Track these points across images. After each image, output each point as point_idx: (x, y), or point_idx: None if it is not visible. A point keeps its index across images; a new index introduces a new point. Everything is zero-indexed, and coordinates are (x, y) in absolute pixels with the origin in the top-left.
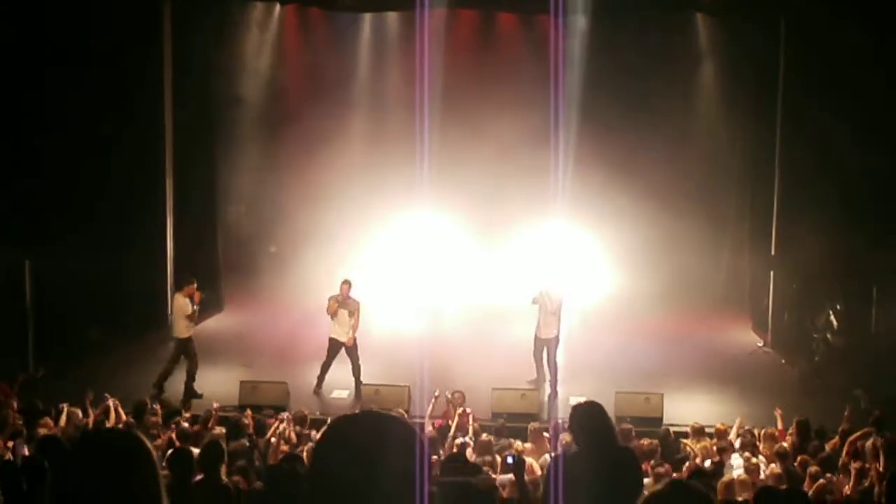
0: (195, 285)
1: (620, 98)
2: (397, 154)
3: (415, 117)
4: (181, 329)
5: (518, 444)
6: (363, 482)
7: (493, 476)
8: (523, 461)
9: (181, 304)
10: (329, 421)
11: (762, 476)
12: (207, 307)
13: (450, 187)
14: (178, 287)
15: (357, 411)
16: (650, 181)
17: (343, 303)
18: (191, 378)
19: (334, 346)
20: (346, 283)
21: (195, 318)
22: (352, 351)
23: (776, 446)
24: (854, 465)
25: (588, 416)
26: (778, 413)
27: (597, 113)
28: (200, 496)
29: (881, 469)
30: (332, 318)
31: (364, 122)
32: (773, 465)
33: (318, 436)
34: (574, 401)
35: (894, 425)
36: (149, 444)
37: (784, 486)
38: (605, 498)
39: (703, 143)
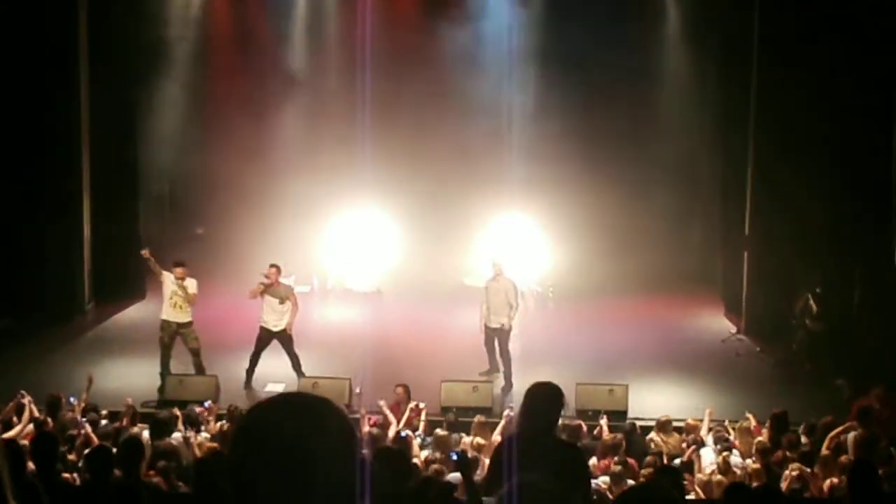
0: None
1: (580, 71)
2: (337, 128)
3: (356, 91)
4: (185, 312)
5: (468, 439)
6: (290, 488)
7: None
8: (469, 458)
9: (179, 287)
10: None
11: (738, 473)
12: (128, 294)
13: (394, 167)
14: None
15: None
16: (613, 156)
17: (271, 289)
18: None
19: (263, 336)
20: (274, 267)
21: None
22: (286, 342)
23: (756, 441)
24: (841, 459)
25: (535, 399)
26: (750, 416)
27: (554, 88)
28: (110, 497)
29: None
30: (261, 301)
31: (302, 94)
32: (749, 462)
33: (233, 428)
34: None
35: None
36: None
37: (757, 483)
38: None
39: (670, 115)
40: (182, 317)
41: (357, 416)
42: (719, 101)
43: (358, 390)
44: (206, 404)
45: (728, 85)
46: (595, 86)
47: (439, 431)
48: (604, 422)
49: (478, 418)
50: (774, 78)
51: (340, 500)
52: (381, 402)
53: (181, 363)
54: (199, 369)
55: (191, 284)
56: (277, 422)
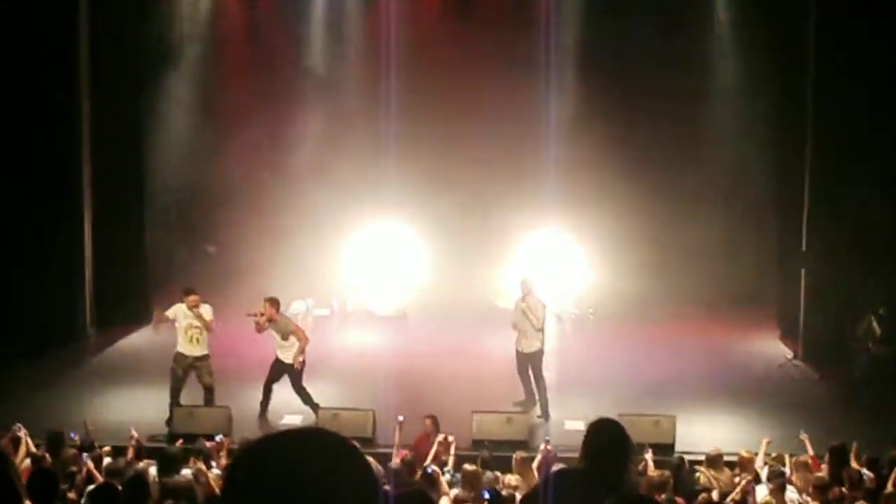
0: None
1: (624, 79)
2: (359, 136)
3: (379, 95)
4: (202, 345)
5: (508, 477)
6: None
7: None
8: (503, 497)
9: (195, 316)
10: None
11: None
12: (133, 318)
13: (421, 177)
14: (184, 296)
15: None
16: (658, 168)
17: (273, 324)
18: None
19: (277, 367)
20: (269, 301)
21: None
22: (293, 378)
23: (813, 477)
24: None
25: (599, 432)
26: (805, 438)
27: (596, 96)
28: None
29: None
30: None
31: (321, 98)
32: (807, 498)
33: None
34: (571, 425)
35: None
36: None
37: None
38: None
39: (720, 124)
40: (199, 350)
41: (387, 450)
42: (773, 112)
43: (401, 419)
44: (218, 438)
45: (782, 96)
46: (640, 94)
47: (468, 467)
48: (649, 456)
49: (518, 454)
50: (831, 88)
51: None
52: (399, 420)
53: (190, 395)
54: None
55: (206, 311)
56: (291, 456)
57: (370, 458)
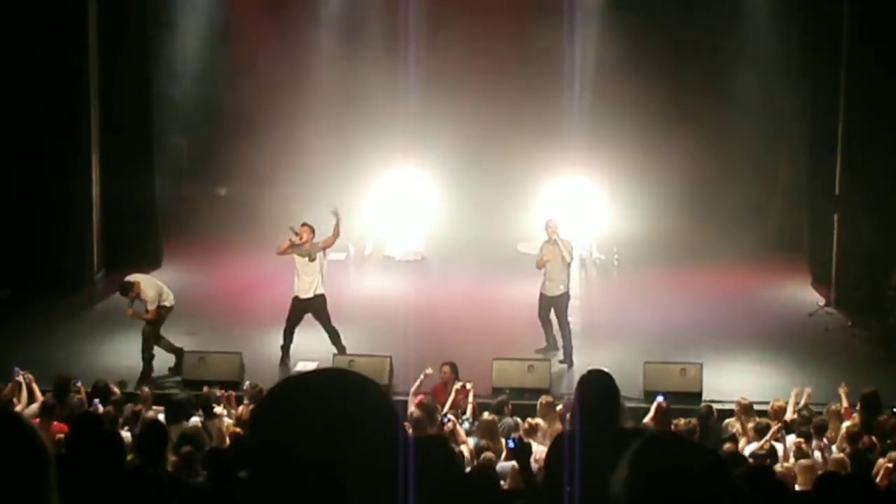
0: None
1: (653, 23)
2: (378, 77)
3: (398, 35)
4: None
5: (530, 420)
6: (324, 456)
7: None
8: (528, 446)
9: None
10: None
11: (820, 460)
12: (143, 261)
13: (441, 120)
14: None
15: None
16: (685, 110)
17: (299, 249)
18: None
19: (297, 307)
20: (307, 226)
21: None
22: (320, 312)
23: (845, 427)
24: None
25: (587, 385)
26: (843, 391)
27: (622, 39)
28: (131, 488)
29: None
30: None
31: (337, 41)
32: (834, 447)
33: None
34: None
35: None
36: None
37: (848, 472)
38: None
39: (750, 58)
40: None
41: (404, 398)
42: (806, 42)
43: (429, 371)
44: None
45: (815, 31)
46: (670, 45)
47: (486, 416)
48: (657, 402)
49: (544, 399)
50: (868, 20)
51: (384, 469)
52: (426, 373)
53: (195, 341)
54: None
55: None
56: (315, 388)
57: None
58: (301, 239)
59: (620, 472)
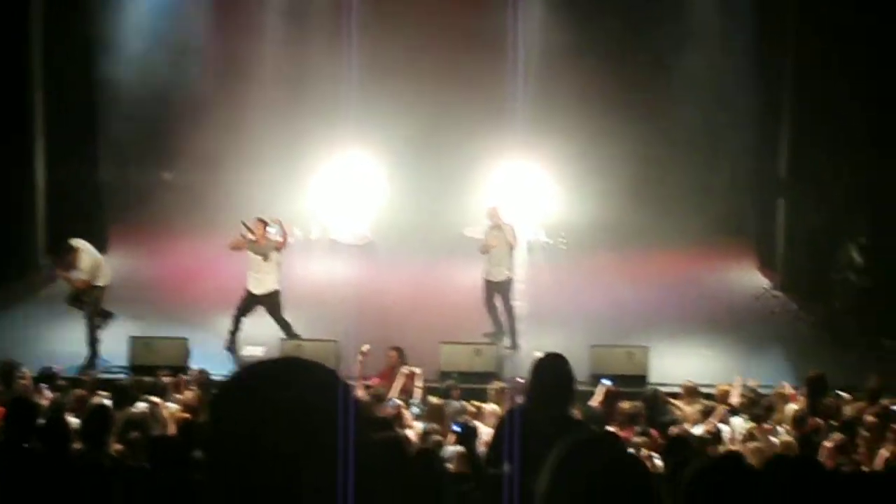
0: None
1: (602, 12)
2: (323, 64)
3: (344, 22)
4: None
5: (476, 404)
6: (283, 444)
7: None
8: (475, 430)
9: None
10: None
11: (770, 443)
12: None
13: (387, 104)
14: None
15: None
16: (632, 88)
17: (254, 246)
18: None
19: (249, 299)
20: (259, 221)
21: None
22: (272, 307)
23: (791, 409)
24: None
25: (542, 369)
26: (738, 382)
27: (568, 22)
28: (74, 474)
29: None
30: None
31: (283, 25)
32: (780, 429)
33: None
34: (537, 356)
35: None
36: None
37: (794, 454)
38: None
39: (699, 44)
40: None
41: (352, 382)
42: (753, 25)
43: (365, 348)
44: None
45: (763, 8)
46: (615, 20)
47: (434, 400)
48: (602, 387)
49: (496, 384)
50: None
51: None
52: (362, 351)
53: (141, 326)
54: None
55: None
56: (273, 376)
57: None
58: (253, 235)
59: (542, 479)
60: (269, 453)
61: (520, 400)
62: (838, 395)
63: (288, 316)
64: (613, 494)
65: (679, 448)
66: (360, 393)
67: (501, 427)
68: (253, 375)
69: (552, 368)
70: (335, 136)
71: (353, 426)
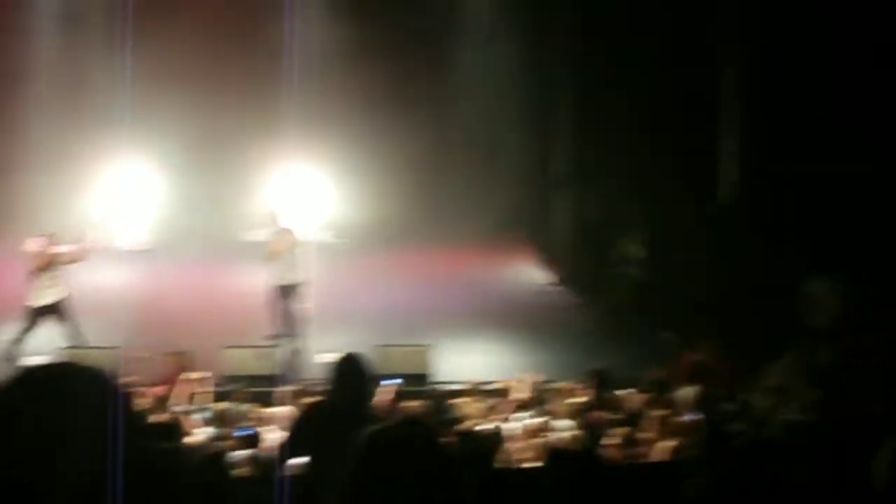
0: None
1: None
2: (98, 70)
3: (118, 29)
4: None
5: (263, 409)
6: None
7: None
8: (258, 433)
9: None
10: None
11: (554, 437)
12: None
13: (163, 110)
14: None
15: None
16: (408, 89)
17: (40, 260)
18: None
19: (35, 313)
20: (44, 236)
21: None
22: (57, 314)
23: (574, 403)
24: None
25: (343, 367)
26: (521, 378)
27: (343, 20)
28: None
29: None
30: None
31: (56, 31)
32: (564, 424)
33: None
34: (324, 358)
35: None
36: None
37: (577, 448)
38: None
39: (473, 43)
40: None
41: (134, 388)
42: (527, 24)
43: (143, 355)
44: None
45: (537, 8)
46: (390, 22)
47: (219, 404)
48: (388, 386)
49: (282, 388)
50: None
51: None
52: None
53: None
54: None
55: None
56: (46, 381)
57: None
58: (44, 249)
59: (349, 465)
60: (29, 455)
61: (309, 400)
62: (622, 388)
63: (71, 324)
64: (418, 474)
65: (465, 444)
66: (142, 399)
67: (296, 426)
68: (22, 380)
69: (351, 367)
70: (113, 143)
71: (123, 431)
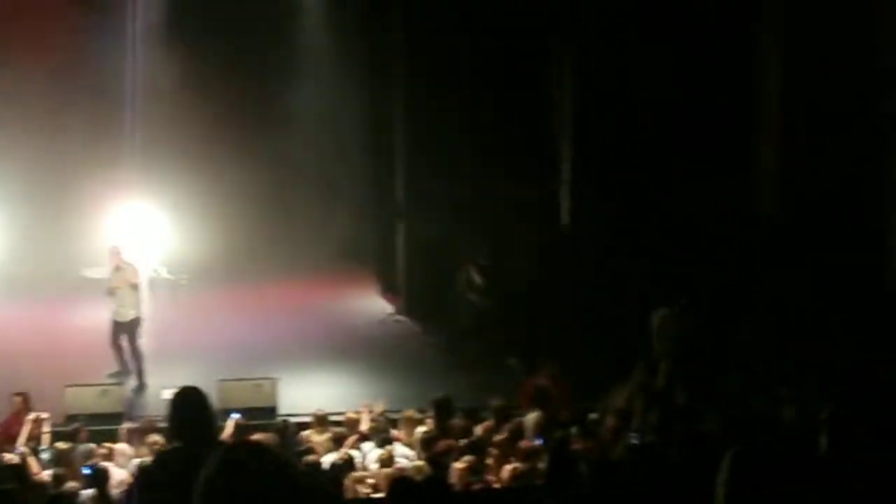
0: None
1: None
2: None
3: None
4: None
5: (107, 445)
6: None
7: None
8: (106, 471)
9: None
10: None
11: (400, 466)
12: None
13: (4, 153)
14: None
15: None
16: (248, 122)
17: None
18: None
19: None
20: None
21: None
22: None
23: (419, 432)
24: (519, 444)
25: (181, 404)
26: (364, 407)
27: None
28: None
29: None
30: None
31: None
32: (410, 453)
33: None
34: (169, 394)
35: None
36: None
37: (422, 477)
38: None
39: (313, 74)
40: None
41: None
42: (363, 52)
43: None
44: None
45: (373, 32)
46: (227, 55)
47: (61, 444)
48: (232, 420)
49: (126, 425)
50: (426, 23)
51: None
52: None
53: None
54: None
55: None
56: None
57: None
58: None
59: (197, 487)
60: None
61: (152, 439)
62: (466, 415)
63: None
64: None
65: (314, 478)
66: None
67: (141, 471)
68: None
69: (188, 401)
70: None
71: None
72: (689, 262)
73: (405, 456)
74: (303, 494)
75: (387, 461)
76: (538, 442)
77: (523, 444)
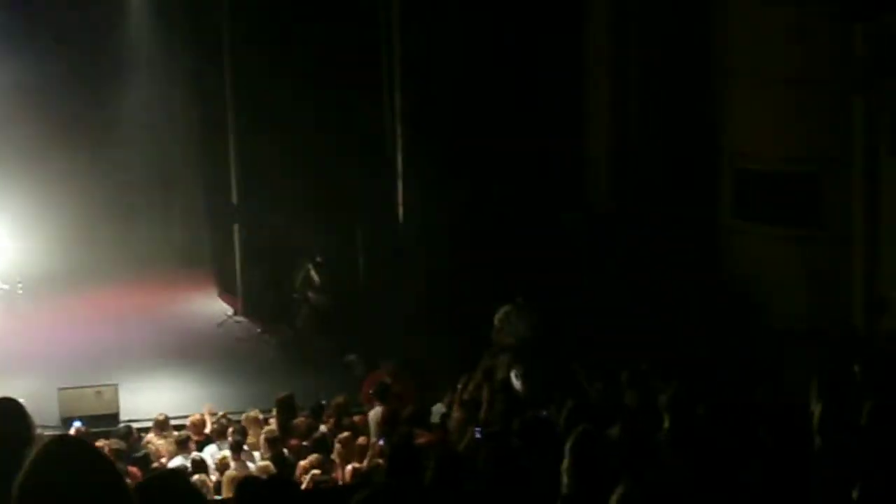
0: None
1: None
2: None
3: None
4: None
5: None
6: None
7: None
8: None
9: None
10: None
11: (245, 467)
12: None
13: None
14: None
15: None
16: (78, 127)
17: None
18: None
19: None
20: None
21: None
22: None
23: (264, 431)
24: (359, 441)
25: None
26: (206, 409)
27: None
28: None
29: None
30: None
31: None
32: (255, 454)
33: None
34: None
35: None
36: None
37: (267, 477)
38: None
39: (142, 76)
40: None
41: None
42: (192, 45)
43: None
44: None
45: (199, 32)
46: (50, 60)
47: None
48: (73, 429)
49: None
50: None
51: None
52: None
53: None
54: None
55: None
56: None
57: None
58: None
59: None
60: None
61: None
62: (309, 414)
63: None
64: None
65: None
66: None
67: None
68: None
69: (10, 413)
70: None
71: None
72: (527, 256)
73: (249, 457)
74: (123, 487)
75: (229, 462)
76: (380, 443)
77: (361, 440)
